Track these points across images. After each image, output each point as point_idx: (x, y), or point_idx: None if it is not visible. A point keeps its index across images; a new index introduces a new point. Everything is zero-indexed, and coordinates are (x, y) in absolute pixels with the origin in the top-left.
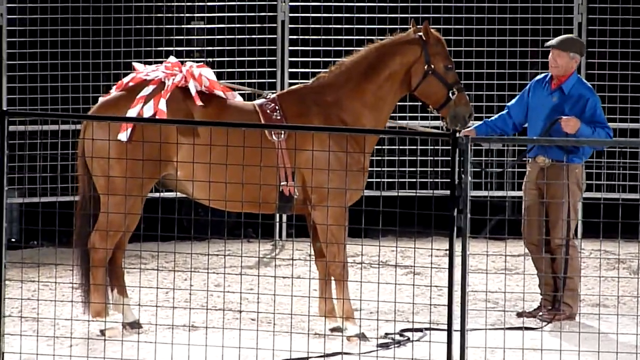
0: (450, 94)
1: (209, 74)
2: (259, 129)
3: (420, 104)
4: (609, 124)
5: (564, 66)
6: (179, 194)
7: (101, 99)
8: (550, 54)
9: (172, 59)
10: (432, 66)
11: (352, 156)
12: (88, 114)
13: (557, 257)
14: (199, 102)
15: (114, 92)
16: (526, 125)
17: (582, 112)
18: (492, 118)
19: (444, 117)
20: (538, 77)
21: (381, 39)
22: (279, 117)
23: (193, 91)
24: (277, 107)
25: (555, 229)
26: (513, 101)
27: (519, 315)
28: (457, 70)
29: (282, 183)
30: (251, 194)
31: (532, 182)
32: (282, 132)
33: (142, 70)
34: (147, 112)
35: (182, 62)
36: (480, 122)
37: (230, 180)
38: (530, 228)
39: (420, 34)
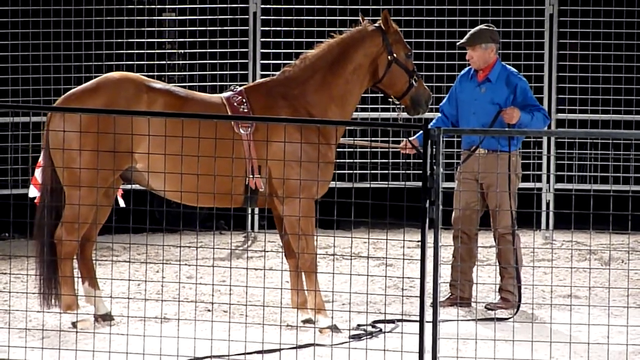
0: (413, 81)
1: None
2: (225, 122)
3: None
4: (580, 115)
5: (481, 59)
6: None
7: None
8: (467, 51)
9: None
10: (394, 55)
11: (319, 149)
12: (58, 106)
13: (502, 247)
14: None
15: None
16: None
17: (514, 98)
18: (431, 123)
19: (405, 105)
20: (462, 72)
21: (339, 33)
22: (246, 110)
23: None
24: (244, 100)
25: (497, 218)
26: (444, 101)
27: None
28: (425, 62)
29: (248, 176)
30: (217, 187)
31: (469, 172)
32: (250, 125)
33: None
34: None
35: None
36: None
37: (195, 173)
38: (465, 217)
39: (378, 24)
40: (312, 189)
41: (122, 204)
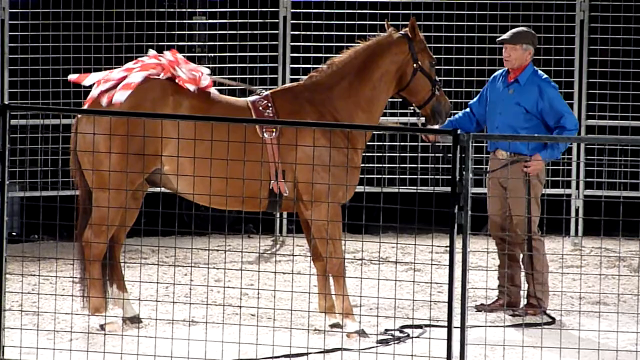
0: (436, 90)
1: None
2: (250, 126)
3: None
4: (610, 121)
5: (517, 59)
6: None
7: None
8: (504, 48)
9: (151, 52)
10: (420, 63)
11: (345, 154)
12: (88, 109)
13: (520, 252)
14: (191, 87)
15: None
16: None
17: (539, 103)
18: (455, 116)
19: (425, 115)
20: (496, 73)
21: (365, 39)
22: (271, 114)
23: (185, 76)
24: (269, 104)
25: (517, 224)
26: (474, 100)
27: (478, 309)
28: (454, 68)
29: (272, 180)
30: (241, 190)
31: (495, 177)
32: (274, 129)
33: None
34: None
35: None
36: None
37: (220, 177)
38: (494, 223)
39: (405, 32)
40: (338, 193)
41: None
